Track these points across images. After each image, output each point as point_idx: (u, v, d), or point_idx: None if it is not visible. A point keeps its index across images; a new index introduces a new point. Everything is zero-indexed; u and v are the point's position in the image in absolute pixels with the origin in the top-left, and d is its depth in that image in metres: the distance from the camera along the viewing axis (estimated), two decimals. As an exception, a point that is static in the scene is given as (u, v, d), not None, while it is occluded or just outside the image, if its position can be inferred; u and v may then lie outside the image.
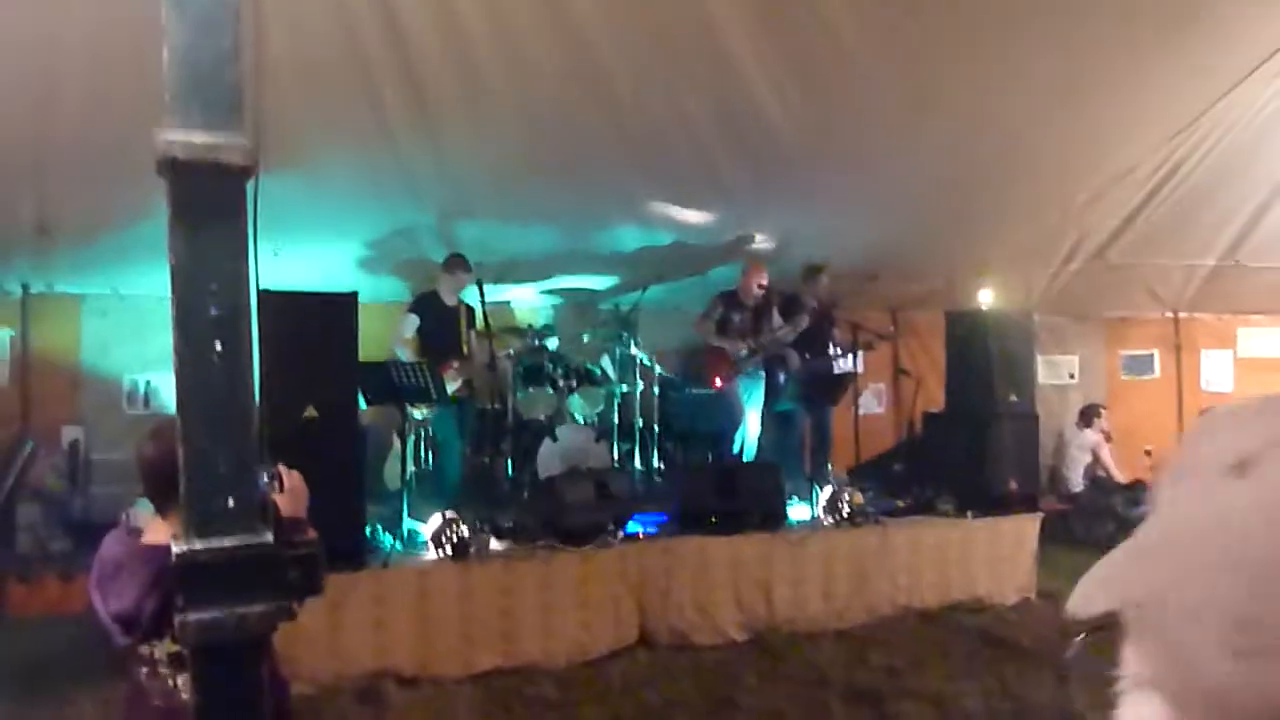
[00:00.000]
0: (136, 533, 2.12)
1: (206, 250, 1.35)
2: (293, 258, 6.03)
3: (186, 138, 1.34)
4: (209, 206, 1.36)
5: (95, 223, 5.37)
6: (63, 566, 6.00)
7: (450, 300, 6.41)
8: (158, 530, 2.08)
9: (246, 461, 1.40)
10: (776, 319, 7.11)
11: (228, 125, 1.37)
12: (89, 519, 6.61)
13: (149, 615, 1.93)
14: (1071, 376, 10.10)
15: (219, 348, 1.37)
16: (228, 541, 1.40)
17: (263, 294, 4.60)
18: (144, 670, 2.05)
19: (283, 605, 1.49)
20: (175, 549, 1.40)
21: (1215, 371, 10.13)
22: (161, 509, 2.09)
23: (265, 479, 2.13)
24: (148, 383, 7.14)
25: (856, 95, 4.78)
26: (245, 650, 1.46)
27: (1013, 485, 6.44)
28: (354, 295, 4.94)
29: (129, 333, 6.97)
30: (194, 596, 1.39)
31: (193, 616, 1.39)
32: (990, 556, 6.28)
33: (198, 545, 1.38)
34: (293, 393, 4.68)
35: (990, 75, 4.75)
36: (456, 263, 6.28)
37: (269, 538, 1.45)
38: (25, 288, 6.78)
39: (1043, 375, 8.42)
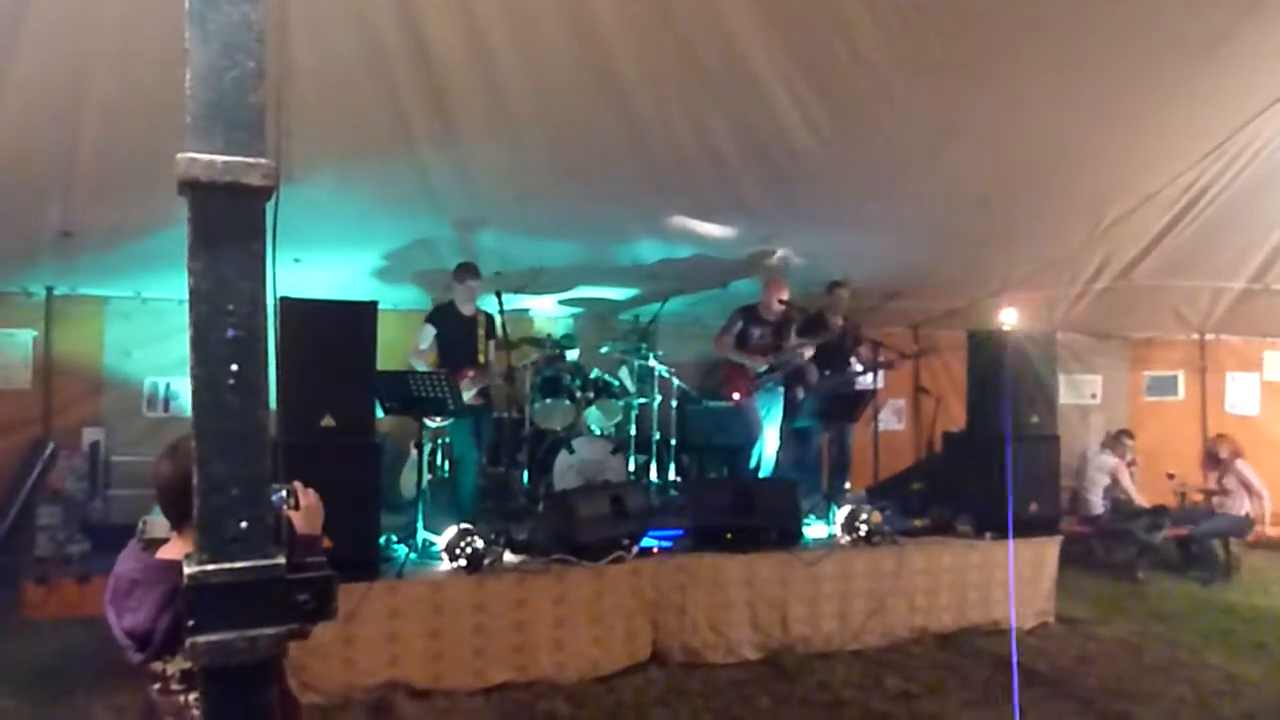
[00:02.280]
0: (152, 546, 2.12)
1: (224, 272, 1.35)
2: (313, 265, 6.08)
3: (208, 159, 1.34)
4: (228, 228, 1.36)
5: (119, 227, 5.41)
6: (80, 569, 6.04)
7: (467, 310, 6.42)
8: (173, 547, 2.08)
9: (260, 485, 1.39)
10: (794, 337, 7.09)
11: (249, 146, 1.37)
12: (108, 521, 6.68)
13: (162, 633, 1.93)
14: (1094, 397, 10.01)
15: (235, 369, 1.37)
16: (239, 564, 1.39)
17: (282, 301, 4.68)
18: (156, 687, 2.05)
19: (294, 629, 1.48)
20: (186, 569, 1.39)
21: (1240, 394, 10.02)
22: (177, 525, 2.09)
23: (281, 494, 2.13)
24: (168, 386, 7.21)
25: (882, 116, 4.75)
26: (255, 672, 1.45)
27: (1033, 507, 6.37)
28: (373, 305, 4.95)
29: (150, 335, 7.06)
30: (204, 618, 1.39)
31: (203, 638, 1.39)
32: (1009, 579, 6.20)
33: (210, 567, 1.38)
34: (310, 401, 4.71)
35: (1019, 97, 4.71)
36: (465, 270, 6.28)
37: (281, 561, 1.44)
38: (49, 290, 6.86)
39: (1065, 395, 8.36)
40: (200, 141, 1.34)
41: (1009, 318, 7.70)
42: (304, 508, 2.19)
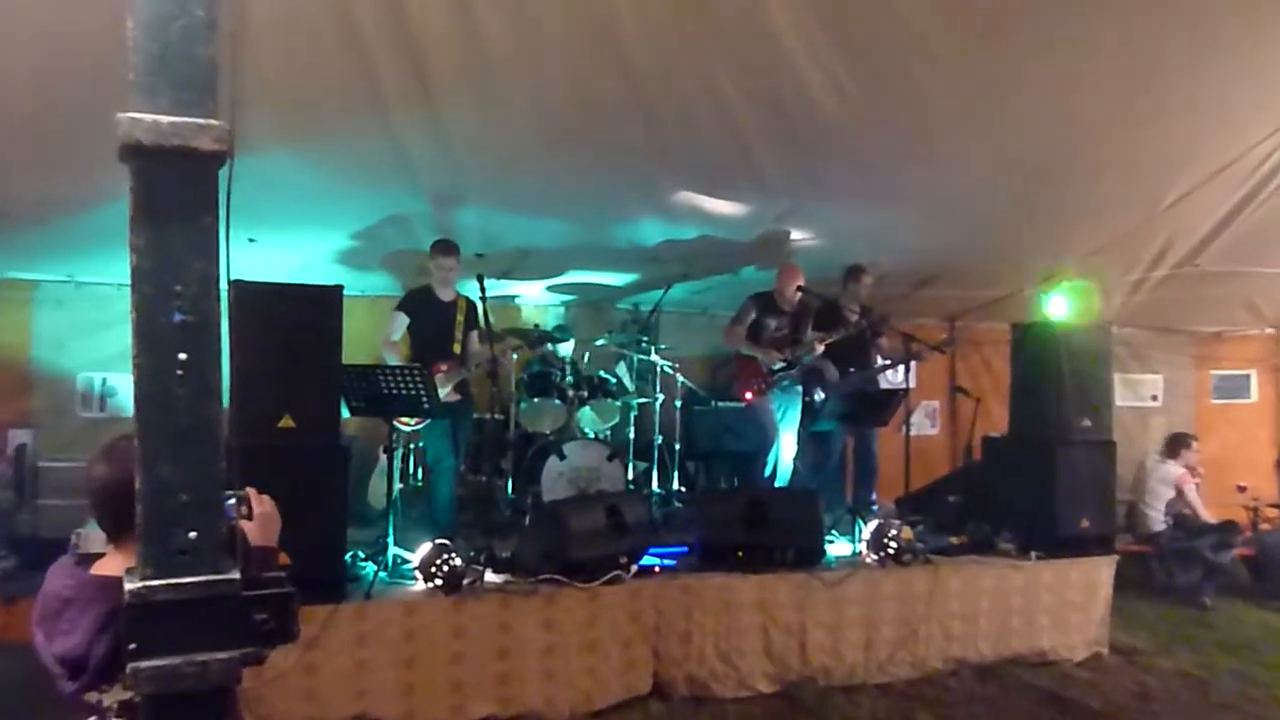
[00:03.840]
0: (86, 562, 2.12)
1: (172, 248, 1.35)
2: (270, 247, 6.07)
3: (152, 119, 1.34)
4: (176, 198, 1.36)
5: (48, 200, 5.40)
6: (5, 589, 6.03)
7: (445, 295, 6.42)
8: (110, 562, 2.07)
9: (212, 490, 1.40)
10: (810, 332, 7.10)
11: (199, 106, 1.37)
12: (36, 535, 6.65)
13: (98, 659, 1.92)
14: (1154, 399, 10.02)
15: (183, 359, 1.37)
16: (189, 579, 1.39)
17: (235, 285, 4.68)
18: (91, 720, 2.05)
19: (249, 652, 1.49)
20: (128, 585, 1.40)
21: (1321, 396, 10.04)
22: (114, 537, 2.09)
23: (233, 502, 2.13)
24: (104, 381, 7.21)
25: (918, 75, 4.72)
26: (206, 702, 1.46)
27: (1085, 523, 6.37)
28: (338, 289, 4.95)
29: (85, 325, 7.04)
30: (149, 641, 1.39)
31: (146, 663, 1.39)
32: (1057, 604, 6.22)
33: (155, 583, 1.38)
34: (267, 400, 4.70)
35: (1075, 55, 4.68)
36: (442, 248, 6.29)
37: (236, 576, 1.44)
38: (-30, 273, 6.86)
39: (1121, 397, 8.37)
40: (144, 100, 1.35)
41: (1058, 309, 7.71)
42: (258, 516, 2.19)
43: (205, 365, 1.39)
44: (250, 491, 2.21)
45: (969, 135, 5.46)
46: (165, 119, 1.34)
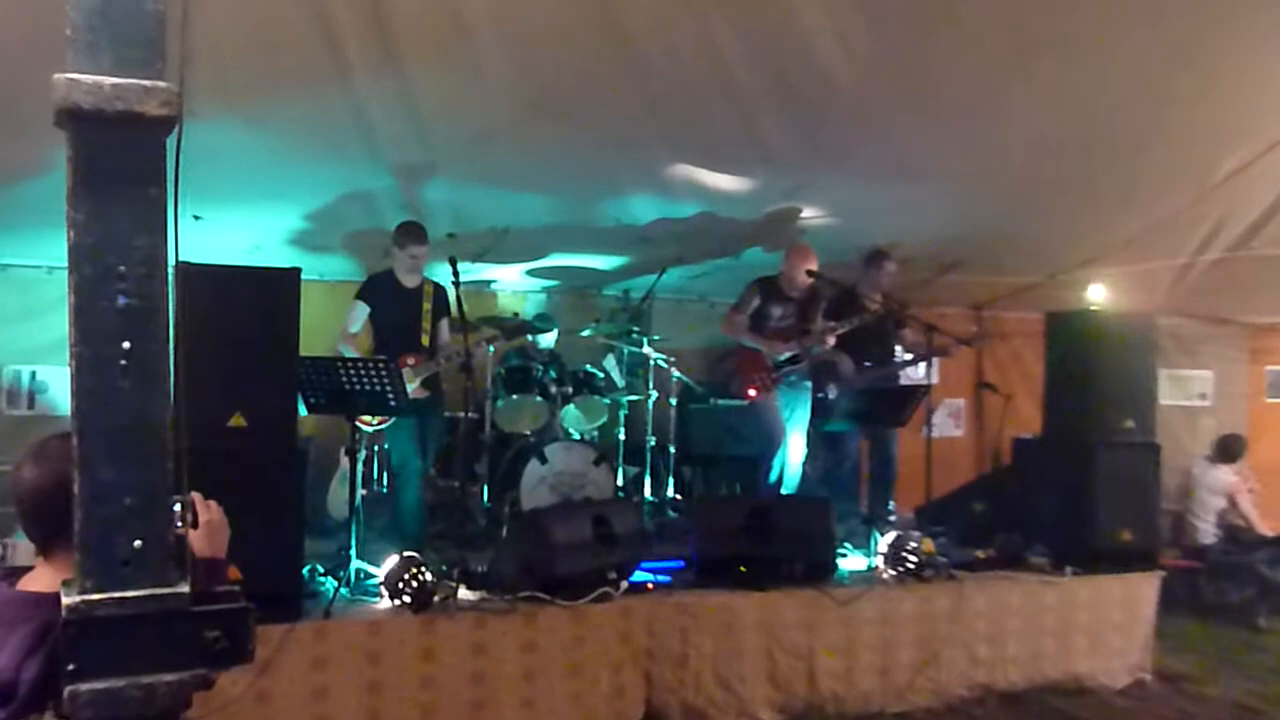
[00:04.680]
0: (12, 576, 2.12)
1: (114, 224, 1.36)
2: (217, 226, 6.06)
3: (93, 80, 1.34)
4: (119, 168, 1.37)
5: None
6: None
7: (410, 281, 6.42)
8: (40, 575, 2.08)
9: (159, 493, 1.40)
10: (820, 320, 7.11)
11: (145, 66, 1.38)
12: (-47, 548, 6.65)
13: (29, 683, 1.92)
14: (1203, 397, 10.06)
15: (127, 348, 1.38)
16: (133, 593, 1.40)
17: (180, 268, 4.65)
18: (20, 753, 2.05)
19: (199, 674, 1.50)
20: (65, 600, 1.41)
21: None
22: (45, 549, 2.09)
23: (176, 509, 2.14)
24: (34, 375, 7.18)
25: (941, 35, 4.74)
26: (151, 730, 1.47)
27: (1126, 535, 6.40)
28: (295, 272, 4.94)
29: (12, 313, 7.01)
30: (88, 661, 1.40)
31: (86, 686, 1.40)
32: (1095, 625, 6.25)
33: (95, 596, 1.39)
34: (215, 396, 4.69)
35: (1120, 8, 4.70)
36: (408, 232, 6.27)
37: (185, 589, 1.45)
38: (-122, 253, 6.84)
39: (1166, 395, 8.38)
40: (84, 59, 1.35)
41: (1096, 296, 7.74)
42: (204, 524, 2.19)
43: (151, 355, 1.40)
44: (195, 497, 2.21)
45: (993, 105, 5.47)
46: (107, 80, 1.34)
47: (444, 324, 6.57)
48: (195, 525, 2.18)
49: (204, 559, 2.16)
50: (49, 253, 6.61)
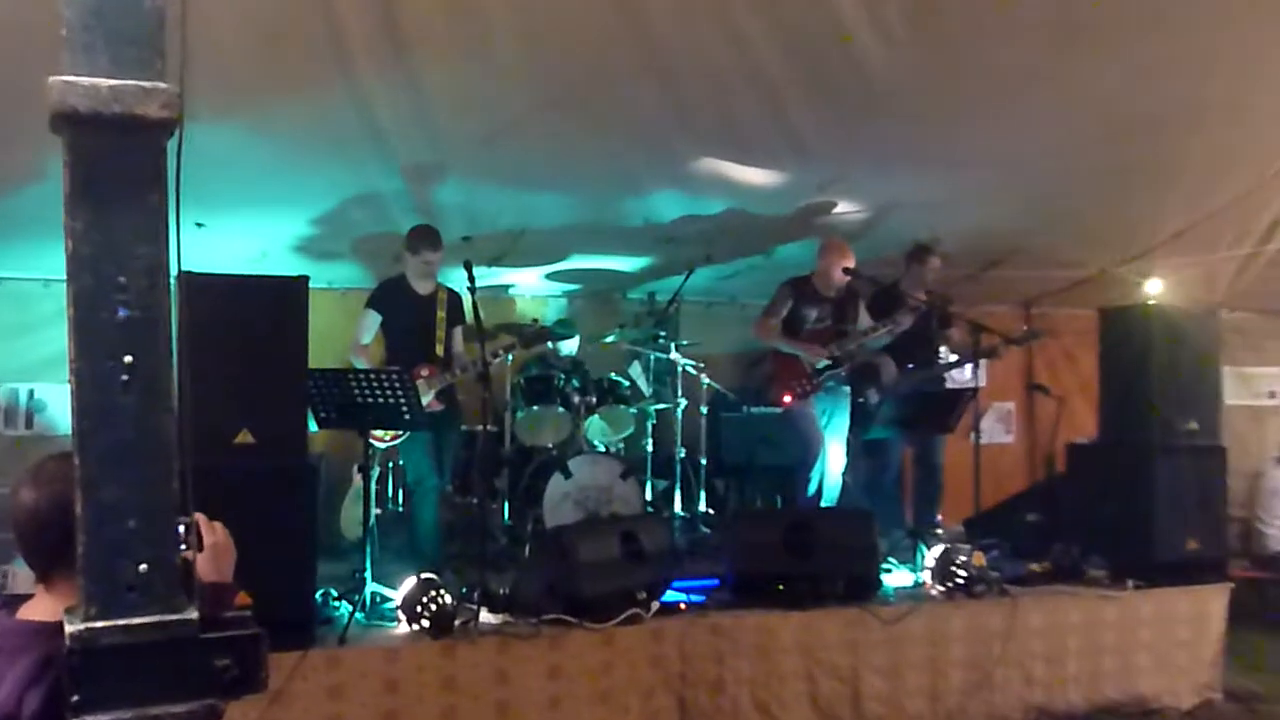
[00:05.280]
0: (12, 605, 2.14)
1: (114, 233, 1.37)
2: (220, 233, 6.11)
3: (90, 83, 1.35)
4: (118, 174, 1.38)
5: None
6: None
7: (424, 288, 6.43)
8: (40, 604, 2.09)
9: (165, 514, 1.41)
10: (865, 317, 7.08)
11: (145, 66, 1.38)
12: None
13: (30, 715, 1.94)
14: (1272, 396, 9.96)
15: (129, 362, 1.38)
16: (139, 620, 1.41)
17: (183, 279, 4.69)
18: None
19: (209, 704, 1.50)
20: (69, 628, 1.41)
21: None
22: (46, 576, 2.10)
23: (179, 531, 2.14)
24: (31, 394, 7.24)
25: (982, 14, 4.72)
26: (158, 764, 1.47)
27: (1191, 544, 6.35)
28: (303, 281, 4.97)
29: (8, 328, 7.07)
30: (93, 692, 1.41)
31: (91, 718, 1.41)
32: (1159, 642, 6.20)
33: (100, 624, 1.40)
34: (220, 411, 4.72)
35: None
36: (421, 237, 6.28)
37: (194, 615, 1.46)
38: None
39: (1232, 394, 8.30)
40: (80, 61, 1.36)
41: (1154, 290, 7.68)
42: (209, 547, 2.20)
43: (154, 370, 1.40)
44: (199, 518, 2.22)
45: (1040, 88, 5.44)
46: (105, 82, 1.35)
47: (458, 332, 6.58)
48: (200, 548, 2.19)
49: (210, 584, 2.17)
50: (45, 264, 6.66)
